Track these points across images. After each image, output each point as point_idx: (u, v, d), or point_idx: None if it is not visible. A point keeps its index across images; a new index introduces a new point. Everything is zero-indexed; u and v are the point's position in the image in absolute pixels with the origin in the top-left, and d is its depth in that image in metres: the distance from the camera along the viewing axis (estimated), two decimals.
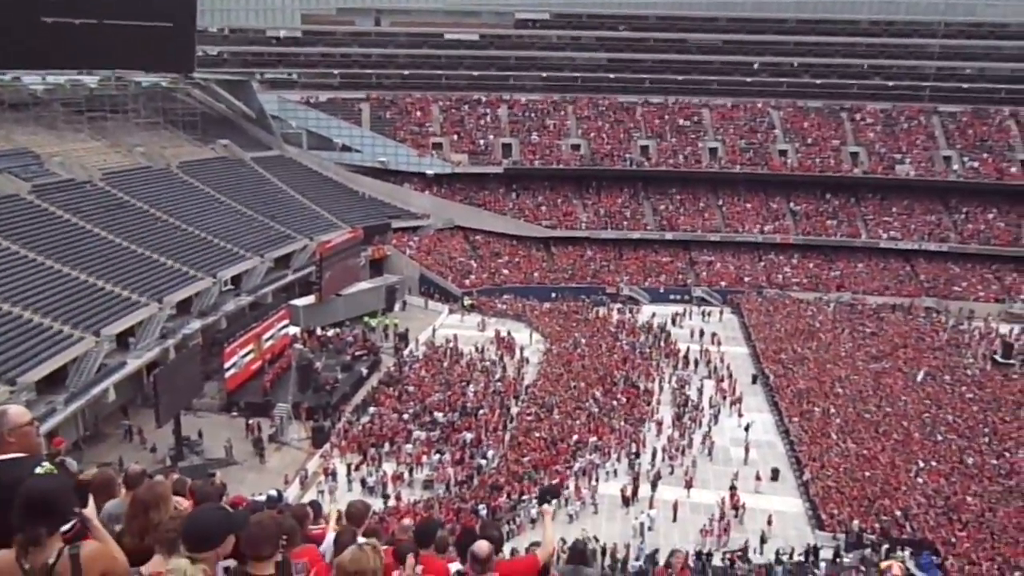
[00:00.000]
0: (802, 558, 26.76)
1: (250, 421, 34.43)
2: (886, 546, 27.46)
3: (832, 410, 38.06)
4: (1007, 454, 35.07)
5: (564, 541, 23.58)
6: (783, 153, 65.08)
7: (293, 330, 43.25)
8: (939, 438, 36.28)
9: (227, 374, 36.06)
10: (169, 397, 30.91)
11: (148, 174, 50.84)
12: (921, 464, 33.49)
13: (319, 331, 45.25)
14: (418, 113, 66.67)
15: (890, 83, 66.75)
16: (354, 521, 6.15)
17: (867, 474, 32.18)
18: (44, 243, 37.74)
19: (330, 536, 5.80)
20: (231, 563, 4.01)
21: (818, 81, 67.06)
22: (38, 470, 3.46)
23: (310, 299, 46.08)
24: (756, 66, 67.74)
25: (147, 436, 32.37)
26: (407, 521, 9.61)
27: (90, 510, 3.50)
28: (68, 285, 35.81)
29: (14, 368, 28.77)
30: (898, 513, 29.52)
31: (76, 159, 47.30)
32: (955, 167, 63.49)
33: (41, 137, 48.93)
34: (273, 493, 10.66)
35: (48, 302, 33.59)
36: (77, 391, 30.64)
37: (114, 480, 5.66)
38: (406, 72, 67.60)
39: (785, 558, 26.54)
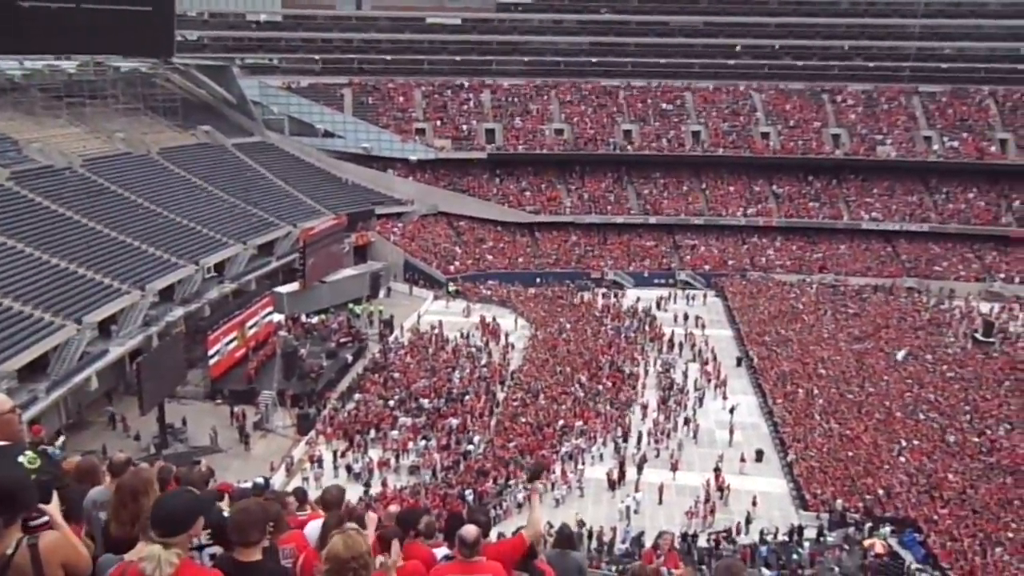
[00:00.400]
0: (786, 538, 27.07)
1: (235, 408, 34.32)
2: (869, 524, 27.84)
3: (815, 391, 38.41)
4: (988, 431, 35.58)
5: (551, 525, 23.76)
6: (765, 136, 65.24)
7: (277, 317, 43.05)
8: (921, 417, 36.72)
9: (211, 361, 35.89)
10: (152, 385, 30.74)
11: (128, 160, 50.28)
12: (903, 443, 33.90)
13: (303, 318, 45.07)
14: (401, 98, 66.25)
15: (871, 64, 67.00)
16: (331, 507, 6.13)
17: (850, 454, 32.57)
18: (23, 230, 37.27)
19: (316, 522, 5.79)
20: (217, 550, 4.01)
21: (800, 63, 67.19)
22: (21, 459, 3.43)
23: (294, 286, 45.84)
24: (738, 48, 67.75)
25: (131, 424, 32.20)
26: (393, 508, 9.60)
27: (53, 506, 3.46)
28: (49, 273, 35.42)
29: None
30: (881, 492, 29.92)
31: (55, 145, 46.70)
32: (935, 147, 63.90)
33: (19, 123, 48.24)
34: (260, 480, 10.64)
35: (29, 290, 33.23)
36: (59, 379, 30.42)
37: (98, 467, 5.64)
38: (388, 57, 67.09)
39: (769, 538, 26.86)
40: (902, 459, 32.75)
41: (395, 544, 4.95)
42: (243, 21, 66.78)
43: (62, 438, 26.77)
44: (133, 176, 48.21)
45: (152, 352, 33.51)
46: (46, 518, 3.28)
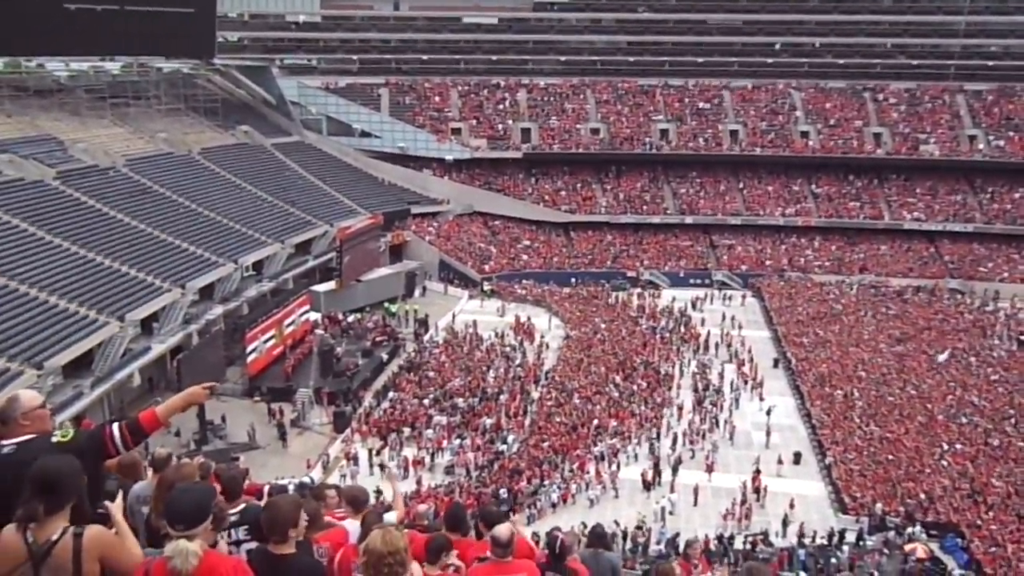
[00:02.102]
0: (824, 541, 26.69)
1: (272, 406, 34.75)
2: (910, 529, 27.33)
3: (855, 393, 37.81)
4: None
5: (585, 526, 23.69)
6: (805, 135, 64.37)
7: (314, 316, 43.52)
8: (964, 420, 35.93)
9: (249, 359, 36.38)
10: (192, 381, 30.93)
11: (170, 160, 51.18)
12: (945, 447, 33.20)
13: (340, 317, 45.48)
14: (437, 98, 66.55)
15: (914, 62, 65.73)
16: (360, 506, 6.15)
17: (890, 457, 31.98)
18: (69, 229, 38.15)
19: (356, 522, 5.83)
20: (255, 546, 4.10)
21: (840, 61, 66.15)
22: (54, 438, 3.52)
23: (331, 285, 46.28)
24: (777, 47, 66.91)
25: (171, 420, 32.69)
26: (422, 507, 9.61)
27: (116, 504, 3.55)
28: (93, 270, 36.21)
29: (41, 352, 29.16)
30: (922, 496, 29.32)
31: (99, 145, 47.72)
32: (980, 146, 62.56)
33: (65, 123, 49.38)
34: (307, 480, 10.71)
35: (74, 287, 33.99)
36: (103, 375, 31.07)
37: (140, 463, 5.75)
38: (425, 57, 67.44)
39: (807, 541, 26.49)
40: (944, 463, 32.08)
41: (452, 555, 4.80)
42: (282, 22, 67.58)
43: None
44: (174, 176, 49.06)
45: (192, 349, 34.11)
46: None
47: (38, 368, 28.37)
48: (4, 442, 3.68)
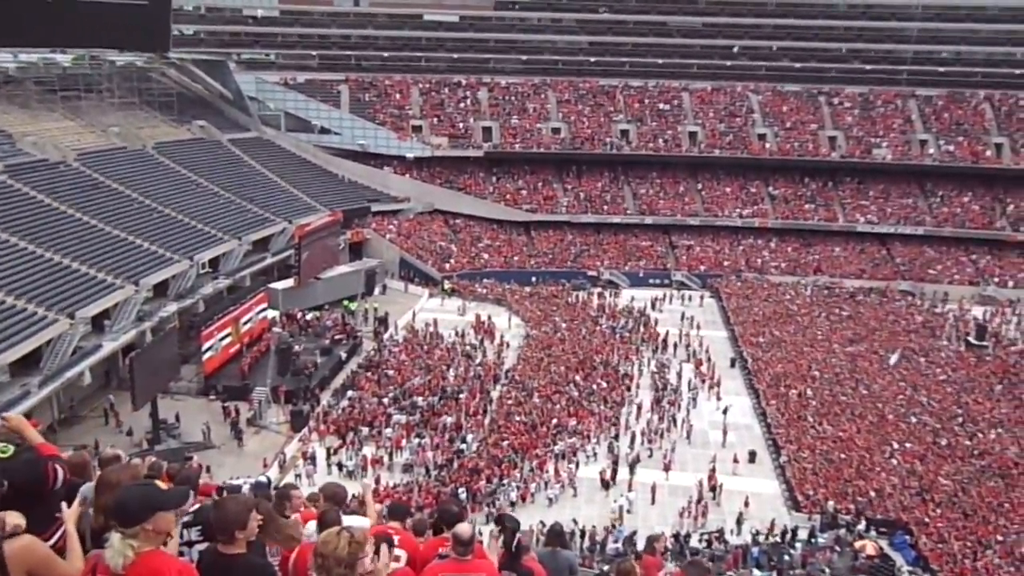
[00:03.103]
0: (778, 539, 27.12)
1: (228, 404, 34.26)
2: (860, 526, 27.91)
3: (809, 393, 38.49)
4: (980, 435, 35.68)
5: (543, 524, 23.75)
6: (762, 137, 65.33)
7: (272, 313, 43.02)
8: (913, 420, 36.79)
9: (205, 357, 35.83)
10: (145, 380, 30.66)
11: (124, 155, 50.12)
12: (895, 445, 33.98)
13: (298, 314, 45.01)
14: (397, 95, 66.18)
15: (868, 67, 67.04)
16: (336, 503, 6.10)
17: (842, 456, 32.63)
18: (18, 224, 37.10)
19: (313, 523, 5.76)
20: (204, 544, 4.04)
21: (797, 65, 67.24)
22: None
23: (289, 282, 45.79)
24: (736, 49, 67.80)
25: (123, 419, 32.14)
26: (378, 506, 9.51)
27: (71, 511, 3.46)
28: (42, 267, 35.27)
29: None
30: (872, 494, 29.99)
31: (50, 139, 46.51)
32: (931, 151, 64.08)
33: (13, 116, 48.03)
34: (263, 479, 10.55)
35: (22, 284, 33.08)
36: (52, 373, 30.31)
37: (89, 462, 5.61)
38: (386, 54, 66.99)
39: (761, 539, 26.90)
40: (894, 461, 32.84)
41: (384, 548, 4.88)
42: (240, 16, 66.67)
43: None
44: (128, 170, 48.04)
45: (145, 347, 33.41)
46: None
47: None
48: None
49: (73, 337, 32.12)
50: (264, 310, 42.12)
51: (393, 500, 6.50)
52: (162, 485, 3.68)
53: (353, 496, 9.06)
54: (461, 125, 64.84)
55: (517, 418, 33.82)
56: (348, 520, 5.50)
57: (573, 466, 31.03)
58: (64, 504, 3.52)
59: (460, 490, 27.93)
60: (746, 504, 28.83)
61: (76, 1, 48.88)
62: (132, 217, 43.13)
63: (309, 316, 45.17)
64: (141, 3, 51.88)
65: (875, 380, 41.05)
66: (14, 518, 3.65)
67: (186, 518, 4.57)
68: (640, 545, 24.02)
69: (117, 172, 47.00)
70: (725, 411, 35.95)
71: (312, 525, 5.47)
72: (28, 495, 3.43)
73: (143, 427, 31.42)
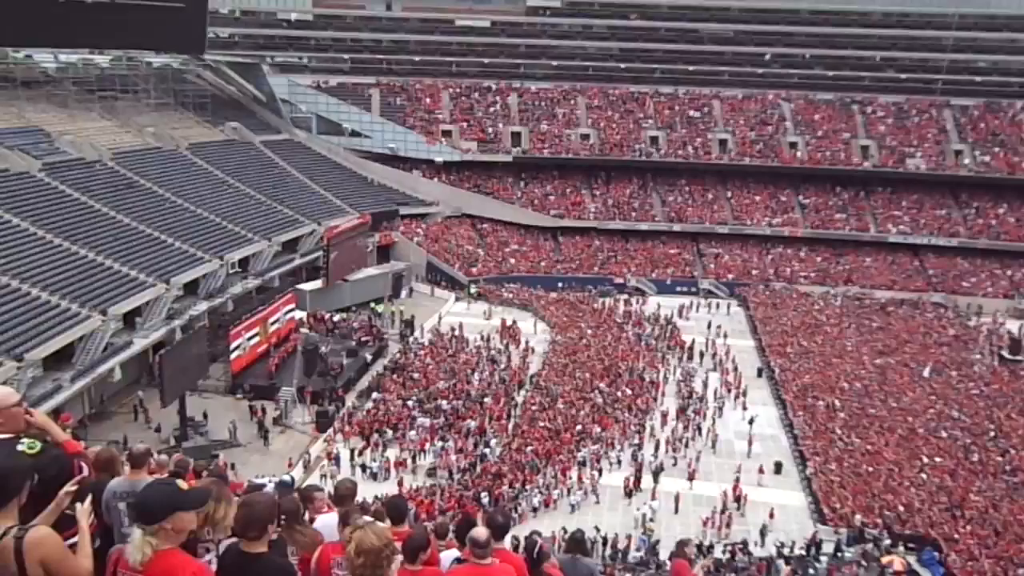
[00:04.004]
0: (803, 551, 26.80)
1: (255, 404, 34.57)
2: (888, 541, 27.49)
3: (836, 404, 38.01)
4: (1012, 451, 34.97)
5: (565, 531, 23.69)
6: (793, 145, 64.77)
7: (299, 314, 43.34)
8: (944, 434, 36.19)
9: (232, 356, 36.19)
10: (174, 377, 31.03)
11: (158, 155, 50.90)
12: (925, 460, 33.44)
13: (325, 316, 45.32)
14: (428, 100, 66.52)
15: (902, 76, 66.28)
16: (344, 501, 6.12)
17: (870, 469, 32.16)
18: (54, 221, 37.87)
19: (329, 516, 5.80)
20: (230, 542, 4.08)
21: (830, 73, 66.63)
22: (20, 446, 3.47)
23: (317, 284, 46.17)
24: (767, 57, 67.34)
25: (152, 416, 32.55)
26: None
27: (84, 509, 3.51)
28: (77, 264, 35.96)
29: (22, 344, 28.92)
30: (901, 508, 29.51)
31: (86, 138, 47.38)
32: (966, 161, 63.11)
33: (52, 115, 49.01)
34: (286, 479, 10.61)
35: (57, 280, 33.74)
36: (84, 369, 30.82)
37: (117, 458, 5.69)
38: (417, 58, 67.40)
39: (786, 551, 26.59)
40: (923, 476, 32.30)
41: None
42: (274, 19, 67.36)
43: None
44: (162, 170, 48.82)
45: (175, 345, 33.82)
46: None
47: (18, 360, 28.13)
48: None
49: (105, 333, 32.64)
50: (292, 311, 42.46)
51: (391, 498, 6.44)
52: (183, 484, 3.73)
53: (376, 498, 9.09)
54: (491, 130, 65.01)
55: (541, 424, 33.76)
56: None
57: (596, 473, 30.90)
58: (77, 504, 3.57)
59: (483, 494, 27.93)
60: (771, 515, 28.53)
61: (115, 3, 49.75)
62: (165, 216, 43.77)
63: (336, 317, 45.48)
64: (178, 5, 52.68)
65: (905, 393, 40.45)
66: (3, 392, 3.76)
67: None
68: (663, 555, 23.96)
69: (151, 172, 47.75)
70: (751, 421, 35.62)
71: (327, 520, 5.51)
72: (54, 491, 3.49)
73: (171, 424, 31.81)
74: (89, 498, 3.73)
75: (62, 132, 46.60)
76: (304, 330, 42.25)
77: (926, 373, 42.64)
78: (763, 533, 27.69)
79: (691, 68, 66.92)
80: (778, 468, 32.32)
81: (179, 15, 53.11)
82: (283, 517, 4.52)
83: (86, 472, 3.81)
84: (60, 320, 31.58)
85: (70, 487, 3.58)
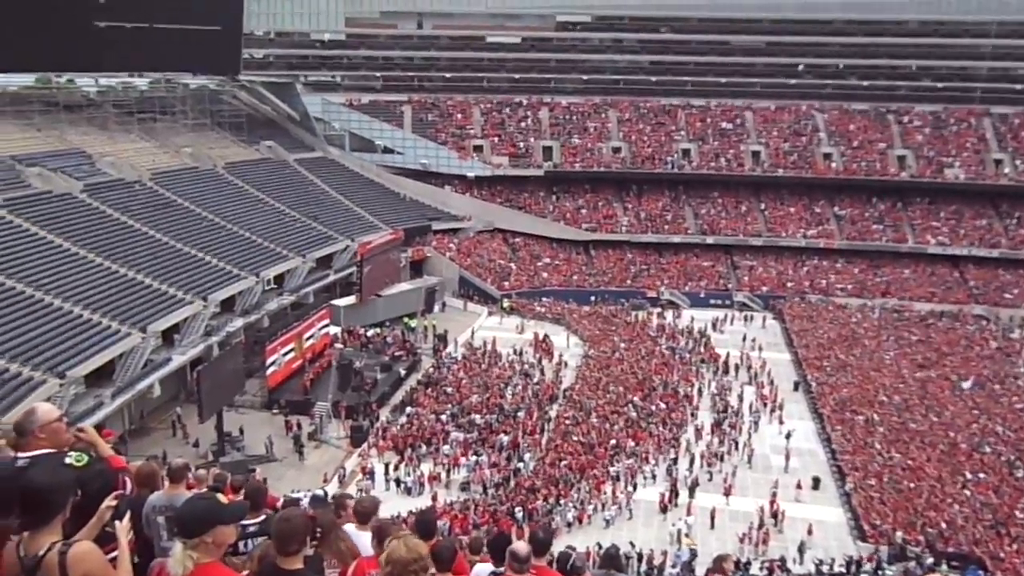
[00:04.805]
0: (843, 569, 26.30)
1: (290, 419, 34.88)
2: (931, 559, 26.88)
3: (876, 419, 37.37)
4: None
5: (600, 546, 23.53)
6: (828, 156, 64.09)
7: (334, 330, 43.71)
8: (987, 449, 35.39)
9: (268, 372, 36.59)
10: (212, 393, 31.45)
11: (195, 174, 51.86)
12: (968, 476, 32.71)
13: (359, 331, 45.66)
14: (459, 116, 66.99)
15: (940, 84, 65.26)
16: (366, 518, 6.14)
17: (912, 485, 31.53)
18: (95, 241, 38.72)
19: (365, 533, 5.83)
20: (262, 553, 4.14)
21: (865, 83, 65.90)
22: (68, 460, 3.56)
23: (351, 299, 46.56)
24: (800, 68, 66.82)
25: (190, 431, 32.98)
26: (438, 523, 9.58)
27: (123, 526, 3.58)
28: (117, 282, 36.69)
29: (64, 362, 29.54)
30: (944, 525, 28.86)
31: (126, 159, 48.45)
32: (1006, 170, 61.95)
33: (93, 137, 50.22)
34: (319, 492, 10.71)
35: (97, 298, 34.45)
36: (124, 385, 31.38)
37: (157, 472, 5.80)
38: (448, 75, 67.93)
39: (825, 568, 26.12)
40: (967, 492, 31.60)
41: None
42: (307, 40, 68.37)
43: None
44: (199, 189, 49.73)
45: (212, 361, 34.30)
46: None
47: (60, 377, 28.72)
48: (20, 454, 3.73)
49: (144, 350, 33.21)
50: (326, 326, 42.86)
51: (418, 513, 6.42)
52: (223, 498, 3.79)
53: (411, 512, 9.09)
54: (522, 144, 65.25)
55: (575, 438, 33.61)
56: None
57: (631, 488, 30.67)
58: (116, 521, 3.64)
59: (517, 509, 27.86)
60: (809, 532, 28.08)
61: (153, 28, 50.97)
62: (202, 234, 44.52)
63: (370, 332, 45.79)
64: (214, 29, 53.80)
65: (946, 407, 39.66)
66: (45, 409, 3.86)
67: (252, 528, 4.68)
68: (699, 572, 23.65)
69: (189, 191, 48.64)
70: (788, 435, 35.13)
71: (364, 537, 5.55)
72: (98, 505, 3.57)
73: (209, 439, 32.19)
74: (128, 515, 3.79)
75: (102, 154, 47.70)
76: (338, 345, 42.61)
77: (967, 386, 41.80)
78: (801, 550, 27.24)
79: (723, 80, 66.61)
80: (816, 483, 31.82)
81: (215, 38, 54.27)
82: (319, 531, 4.56)
83: (129, 487, 3.89)
84: (101, 338, 32.21)
85: (110, 502, 3.64)
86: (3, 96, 51.43)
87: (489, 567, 5.68)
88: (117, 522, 3.58)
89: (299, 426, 34.29)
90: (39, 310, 32.21)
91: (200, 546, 3.27)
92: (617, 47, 68.35)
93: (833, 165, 63.59)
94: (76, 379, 29.50)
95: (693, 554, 25.71)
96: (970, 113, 65.13)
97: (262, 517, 4.96)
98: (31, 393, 26.90)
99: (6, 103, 50.14)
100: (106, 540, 3.53)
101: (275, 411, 36.21)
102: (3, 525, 3.15)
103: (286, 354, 38.08)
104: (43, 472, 3.29)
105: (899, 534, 27.91)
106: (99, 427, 25.46)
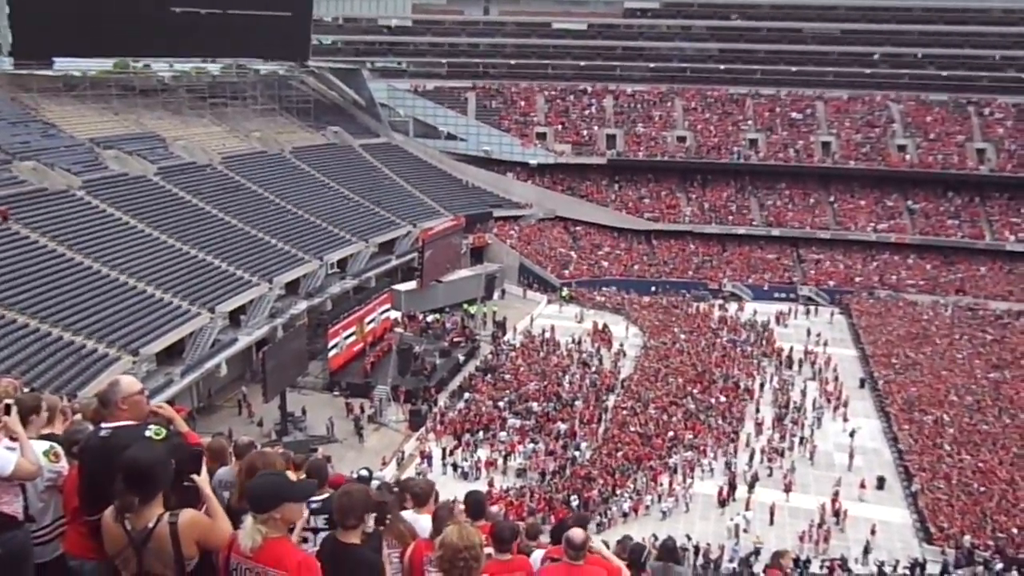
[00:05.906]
0: (907, 571, 25.64)
1: (351, 401, 35.46)
2: (1000, 565, 26.00)
3: (946, 419, 36.22)
4: None
5: (656, 538, 23.38)
6: (902, 148, 62.06)
7: (394, 314, 44.22)
8: None
9: (330, 354, 37.22)
10: (276, 374, 32.16)
11: (263, 159, 52.95)
12: None
13: (419, 316, 46.11)
14: (523, 103, 66.87)
15: None
16: (422, 500, 6.16)
17: (982, 488, 30.51)
18: (167, 222, 39.88)
19: (427, 517, 5.88)
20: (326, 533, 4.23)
21: (943, 73, 63.49)
22: (147, 432, 3.67)
23: (412, 284, 47.02)
24: (876, 57, 64.78)
25: (255, 410, 33.80)
26: (493, 508, 9.62)
27: (203, 478, 3.72)
28: (188, 263, 37.75)
29: (137, 339, 30.57)
30: (1015, 531, 27.88)
31: (198, 143, 49.73)
32: None
33: (167, 122, 51.66)
34: (364, 472, 10.82)
35: (169, 278, 35.51)
36: (193, 364, 32.31)
37: (226, 448, 5.97)
38: (512, 62, 67.84)
39: (888, 570, 25.50)
40: None
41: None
42: (375, 26, 69.01)
43: None
44: (266, 174, 50.75)
45: (277, 343, 35.05)
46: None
47: (134, 354, 29.72)
48: (103, 425, 3.87)
49: (213, 330, 34.14)
50: (387, 310, 43.37)
51: (468, 493, 6.42)
52: (292, 476, 3.87)
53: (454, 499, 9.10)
54: (585, 132, 64.84)
55: (632, 428, 33.44)
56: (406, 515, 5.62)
57: (688, 480, 30.38)
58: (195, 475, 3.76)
59: (572, 497, 27.87)
60: (872, 532, 27.44)
61: (226, 14, 52.15)
62: (268, 218, 45.47)
63: (430, 318, 46.19)
64: (284, 15, 54.78)
65: (1021, 409, 38.19)
66: (128, 381, 4.01)
67: (314, 505, 4.76)
68: (757, 568, 23.34)
69: (257, 175, 49.70)
70: (852, 433, 34.30)
71: (424, 520, 5.60)
72: (182, 474, 3.69)
73: (272, 419, 32.93)
74: (204, 468, 3.93)
75: (175, 137, 49.03)
76: (399, 330, 43.09)
77: None
78: (866, 550, 26.64)
79: (794, 69, 65.00)
80: (881, 483, 31.04)
81: (286, 24, 55.29)
82: (388, 517, 4.63)
83: (205, 460, 4.04)
84: (172, 317, 33.21)
85: (205, 475, 3.82)
86: (83, 81, 53.26)
87: (543, 553, 5.69)
88: (194, 476, 3.71)
89: (360, 408, 34.83)
90: (114, 289, 33.37)
91: (269, 521, 3.36)
92: (685, 34, 67.33)
93: (907, 157, 61.57)
94: (148, 356, 30.51)
95: (757, 551, 25.36)
96: None
97: (325, 495, 5.03)
98: (106, 369, 27.89)
99: (86, 87, 51.90)
100: (189, 499, 3.65)
101: (336, 393, 36.83)
102: (128, 501, 3.30)
103: (348, 337, 38.66)
104: (143, 450, 3.43)
105: (967, 538, 27.07)
106: (171, 403, 26.30)
